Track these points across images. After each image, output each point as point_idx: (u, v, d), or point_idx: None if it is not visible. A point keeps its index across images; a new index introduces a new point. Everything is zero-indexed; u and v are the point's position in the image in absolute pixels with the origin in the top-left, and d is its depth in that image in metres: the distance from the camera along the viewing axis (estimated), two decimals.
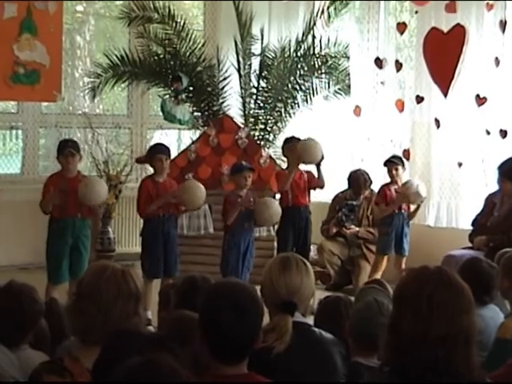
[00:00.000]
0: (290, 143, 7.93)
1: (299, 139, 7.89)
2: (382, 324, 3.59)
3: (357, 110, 9.48)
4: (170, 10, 9.72)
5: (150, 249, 7.33)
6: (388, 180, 8.24)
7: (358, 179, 8.79)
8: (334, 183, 9.19)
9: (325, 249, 8.83)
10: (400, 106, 9.04)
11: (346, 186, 9.09)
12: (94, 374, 2.65)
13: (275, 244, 8.46)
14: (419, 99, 8.83)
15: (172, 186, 7.40)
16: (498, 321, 4.46)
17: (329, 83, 9.94)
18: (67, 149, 7.02)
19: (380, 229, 8.31)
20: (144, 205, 7.31)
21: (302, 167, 7.93)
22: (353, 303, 4.13)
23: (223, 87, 9.79)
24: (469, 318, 2.46)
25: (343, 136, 9.83)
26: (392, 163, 8.11)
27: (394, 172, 8.08)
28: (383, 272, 8.17)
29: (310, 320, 3.79)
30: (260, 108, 9.74)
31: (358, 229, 8.92)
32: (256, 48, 9.82)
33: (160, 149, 7.42)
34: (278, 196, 8.14)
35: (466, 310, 2.47)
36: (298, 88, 9.81)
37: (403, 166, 8.19)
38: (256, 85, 9.77)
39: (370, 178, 8.78)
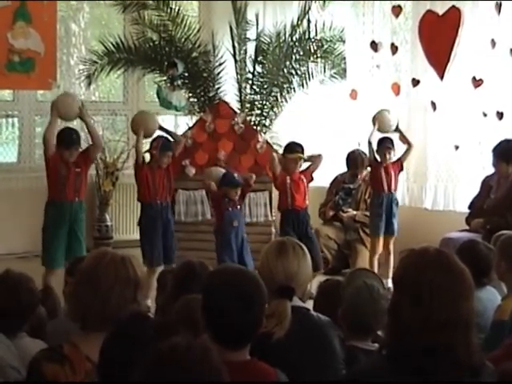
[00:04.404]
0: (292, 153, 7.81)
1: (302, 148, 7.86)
2: (373, 309, 3.61)
3: (353, 94, 9.47)
4: None
5: (151, 238, 7.36)
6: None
7: (355, 159, 8.80)
8: (332, 167, 9.19)
9: (321, 234, 8.83)
10: (396, 89, 9.04)
11: (342, 170, 9.10)
12: (101, 359, 2.63)
13: (273, 229, 8.47)
14: (415, 82, 8.83)
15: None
16: (495, 303, 4.47)
17: (324, 67, 9.91)
18: (75, 145, 7.08)
19: (372, 210, 8.31)
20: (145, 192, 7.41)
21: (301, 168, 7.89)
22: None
23: (219, 73, 9.75)
24: (469, 303, 2.45)
25: (340, 120, 9.83)
26: (387, 147, 8.05)
27: (387, 156, 8.04)
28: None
29: (309, 305, 3.80)
30: (256, 93, 9.71)
31: (355, 212, 8.93)
32: (251, 33, 9.78)
33: (170, 146, 7.47)
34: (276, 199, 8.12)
35: (467, 296, 2.45)
36: (293, 73, 9.78)
37: (394, 147, 8.13)
38: (252, 70, 9.74)
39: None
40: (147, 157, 7.59)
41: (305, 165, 7.86)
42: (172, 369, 2.14)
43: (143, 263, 7.07)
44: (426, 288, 2.40)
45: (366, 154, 8.58)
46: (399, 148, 8.25)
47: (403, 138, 8.23)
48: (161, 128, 7.69)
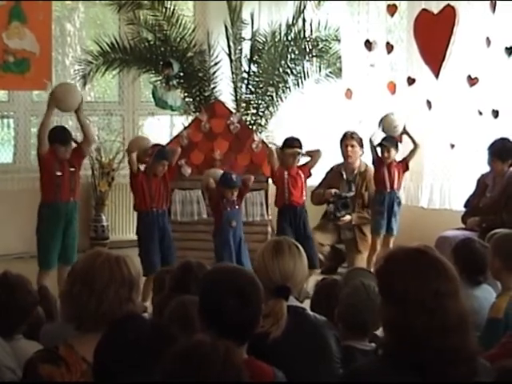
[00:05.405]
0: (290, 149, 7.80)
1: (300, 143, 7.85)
2: (370, 308, 3.61)
3: (348, 93, 9.45)
4: None
5: (148, 246, 7.29)
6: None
7: (345, 133, 8.79)
8: (327, 166, 9.18)
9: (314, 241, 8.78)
10: (392, 87, 9.03)
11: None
12: (95, 359, 2.63)
13: (269, 229, 8.46)
14: (411, 81, 8.83)
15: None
16: (491, 301, 4.47)
17: (320, 66, 9.91)
18: (70, 141, 7.11)
19: (373, 209, 8.33)
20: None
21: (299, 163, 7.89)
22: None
23: (214, 72, 9.76)
24: (461, 299, 2.45)
25: (335, 119, 9.82)
26: (384, 146, 8.09)
27: (386, 154, 8.08)
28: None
29: (306, 305, 3.79)
30: (251, 93, 9.71)
31: (349, 217, 8.85)
32: (246, 32, 9.78)
33: (166, 155, 7.39)
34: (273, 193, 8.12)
35: (457, 292, 2.45)
36: (289, 72, 9.77)
37: (396, 148, 8.16)
38: (247, 69, 9.74)
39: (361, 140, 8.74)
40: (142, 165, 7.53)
41: (303, 161, 7.88)
42: (196, 367, 2.16)
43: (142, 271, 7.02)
44: (432, 298, 2.38)
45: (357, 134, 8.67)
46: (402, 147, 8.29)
47: (410, 139, 8.26)
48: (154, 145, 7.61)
